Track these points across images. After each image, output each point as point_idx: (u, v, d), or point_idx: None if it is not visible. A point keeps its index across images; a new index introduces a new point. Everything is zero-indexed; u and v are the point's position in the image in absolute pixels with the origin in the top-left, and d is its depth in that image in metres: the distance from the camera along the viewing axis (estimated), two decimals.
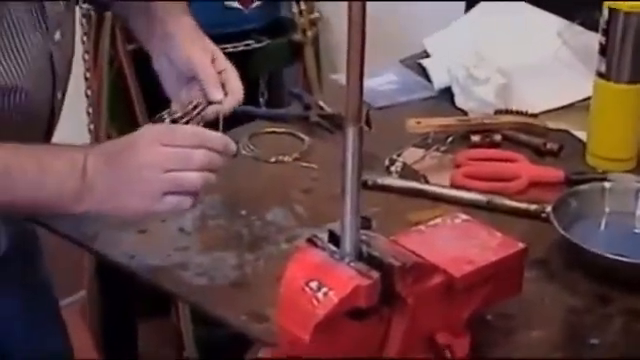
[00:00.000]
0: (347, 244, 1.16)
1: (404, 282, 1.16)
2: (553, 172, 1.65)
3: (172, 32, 1.52)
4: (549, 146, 1.72)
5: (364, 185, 1.60)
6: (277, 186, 1.64)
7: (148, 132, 1.33)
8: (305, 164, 1.69)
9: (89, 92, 2.56)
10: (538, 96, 1.84)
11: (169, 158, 1.29)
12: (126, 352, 1.71)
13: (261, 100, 2.33)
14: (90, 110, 2.59)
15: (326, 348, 1.15)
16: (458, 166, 1.67)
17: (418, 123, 1.71)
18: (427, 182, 1.64)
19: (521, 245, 1.28)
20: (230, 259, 1.46)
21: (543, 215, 1.54)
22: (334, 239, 1.19)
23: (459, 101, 1.85)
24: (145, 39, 1.56)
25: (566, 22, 1.98)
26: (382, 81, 1.93)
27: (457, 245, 1.26)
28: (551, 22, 1.98)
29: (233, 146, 1.34)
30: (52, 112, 1.50)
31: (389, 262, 1.16)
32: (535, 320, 1.35)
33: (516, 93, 1.84)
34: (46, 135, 1.51)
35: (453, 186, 1.62)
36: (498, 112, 1.79)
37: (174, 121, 1.40)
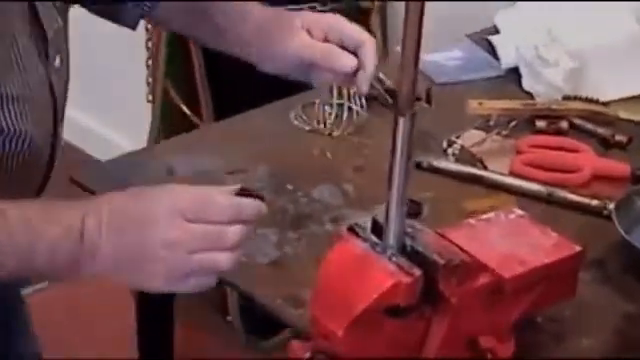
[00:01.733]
0: (390, 237, 1.09)
1: (448, 281, 1.09)
2: (618, 166, 1.56)
3: (263, 26, 1.38)
4: (617, 137, 1.63)
5: (418, 166, 1.53)
6: (327, 161, 1.57)
7: (169, 201, 1.10)
8: (359, 139, 1.62)
9: (149, 44, 2.51)
10: (611, 83, 1.75)
11: (196, 238, 1.09)
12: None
13: None
14: (149, 63, 2.54)
15: (360, 344, 1.09)
16: (519, 153, 1.59)
17: (480, 104, 1.63)
18: (485, 168, 1.56)
19: (577, 248, 1.20)
20: (271, 236, 1.40)
21: (605, 212, 1.46)
22: (377, 229, 1.12)
23: (526, 83, 1.76)
24: (227, 42, 1.42)
25: None
26: (447, 56, 1.85)
27: (509, 243, 1.19)
28: (629, 3, 1.87)
29: (264, 208, 1.13)
30: (52, 152, 1.28)
31: (433, 259, 1.09)
32: (587, 326, 1.27)
33: (587, 78, 1.74)
34: (44, 179, 1.29)
35: (512, 174, 1.54)
36: (566, 98, 1.69)
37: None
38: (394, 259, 1.08)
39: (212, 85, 2.36)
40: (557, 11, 1.84)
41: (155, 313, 1.61)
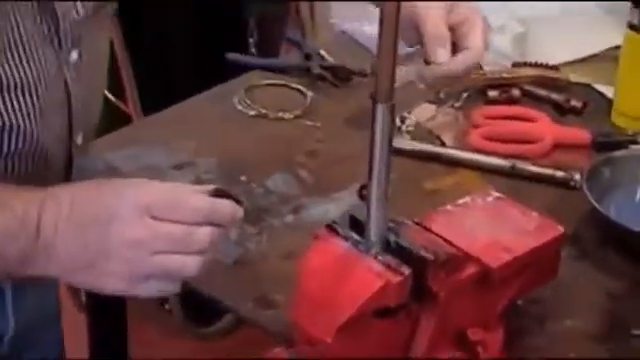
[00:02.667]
0: (373, 234, 1.03)
1: (436, 276, 1.03)
2: (578, 133, 1.51)
3: None
4: (572, 103, 1.58)
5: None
6: (278, 147, 1.49)
7: (136, 196, 1.02)
8: (309, 122, 1.54)
9: None
10: (559, 45, 1.70)
11: (160, 237, 1.01)
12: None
13: (251, 42, 2.16)
14: None
15: (349, 348, 1.02)
16: (475, 126, 1.53)
17: None
18: (443, 144, 1.50)
19: (560, 229, 1.15)
20: (230, 233, 1.31)
21: (572, 183, 1.41)
22: (356, 225, 1.05)
23: None
24: None
25: None
26: None
27: (490, 229, 1.13)
28: None
29: (241, 213, 1.07)
30: (68, 163, 1.21)
31: (420, 254, 1.02)
32: (570, 306, 1.22)
33: (534, 43, 1.69)
34: None
35: (471, 149, 1.49)
36: (516, 65, 1.64)
37: None
38: (380, 257, 1.02)
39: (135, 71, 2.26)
40: None
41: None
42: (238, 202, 1.07)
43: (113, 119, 2.23)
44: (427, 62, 1.25)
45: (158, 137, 1.49)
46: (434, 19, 1.26)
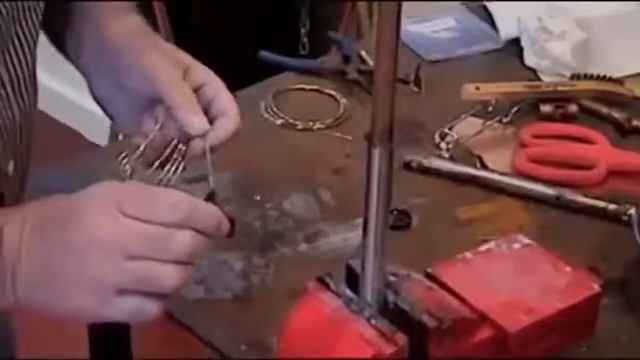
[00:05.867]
0: (368, 292, 0.89)
1: (440, 344, 0.89)
2: (639, 159, 1.35)
3: (115, 42, 1.07)
4: (634, 122, 1.42)
5: (406, 167, 1.33)
6: (301, 163, 1.36)
7: (103, 193, 0.89)
8: (339, 134, 1.41)
9: None
10: (624, 55, 1.53)
11: (135, 238, 0.86)
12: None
13: (301, 44, 2.01)
14: None
15: None
16: (523, 145, 1.38)
17: (477, 89, 1.41)
18: (484, 166, 1.35)
19: (596, 287, 1.00)
20: (235, 263, 1.19)
21: (624, 218, 1.25)
22: (352, 279, 0.92)
23: (529, 58, 1.54)
24: (76, 56, 1.12)
25: None
26: (438, 27, 1.62)
27: (514, 284, 0.99)
28: None
29: (227, 225, 0.92)
30: None
31: (421, 320, 0.88)
32: None
33: (598, 52, 1.52)
34: None
35: (515, 172, 1.33)
36: (575, 77, 1.48)
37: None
38: (373, 321, 0.88)
39: None
40: None
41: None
42: (230, 219, 0.93)
43: None
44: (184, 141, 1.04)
45: None
46: (176, 81, 1.04)
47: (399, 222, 1.25)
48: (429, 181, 1.34)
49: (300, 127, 1.42)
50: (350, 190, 1.30)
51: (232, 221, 0.94)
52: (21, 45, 1.04)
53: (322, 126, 1.42)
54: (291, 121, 1.42)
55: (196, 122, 1.02)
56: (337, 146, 1.39)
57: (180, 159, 1.02)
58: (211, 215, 0.90)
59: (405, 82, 1.47)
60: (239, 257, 1.20)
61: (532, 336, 0.95)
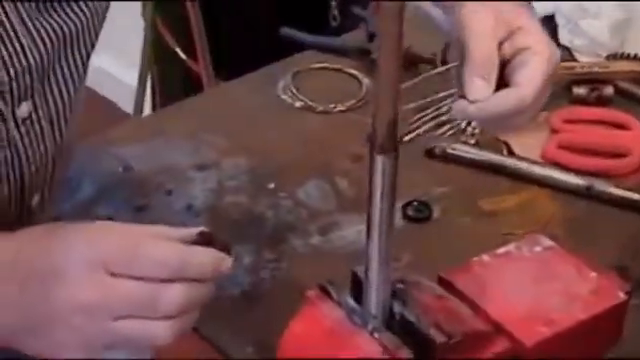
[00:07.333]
0: (372, 304, 0.83)
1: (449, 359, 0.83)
2: None
3: None
4: None
5: (429, 154, 1.26)
6: (319, 149, 1.29)
7: (87, 249, 0.82)
8: (360, 117, 1.34)
9: None
10: None
11: (122, 299, 0.80)
12: None
13: (332, 17, 1.93)
14: None
15: None
16: (554, 131, 1.30)
17: None
18: (511, 153, 1.28)
19: (622, 295, 0.93)
20: (245, 256, 1.13)
21: None
22: (356, 287, 0.86)
23: (563, 36, 1.46)
24: None
25: None
26: None
27: (533, 290, 0.92)
28: None
29: (228, 262, 0.84)
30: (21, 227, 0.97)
31: (428, 334, 0.82)
32: None
33: (636, 31, 1.44)
34: None
35: (544, 160, 1.26)
36: (610, 57, 1.40)
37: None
38: (377, 335, 0.82)
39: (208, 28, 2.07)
40: None
41: None
42: (226, 249, 0.86)
43: (182, 76, 2.08)
44: (461, 95, 0.96)
45: (184, 129, 1.31)
46: (481, 33, 0.97)
47: (419, 214, 1.19)
48: (452, 169, 1.27)
49: (319, 110, 1.35)
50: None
51: (227, 247, 0.87)
52: (65, 81, 0.99)
53: (343, 108, 1.35)
54: (310, 103, 1.36)
55: (475, 87, 0.95)
56: (357, 131, 1.31)
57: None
58: (205, 263, 0.83)
59: (431, 62, 1.40)
60: (248, 250, 1.14)
61: (551, 349, 0.89)
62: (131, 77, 2.53)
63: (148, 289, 0.81)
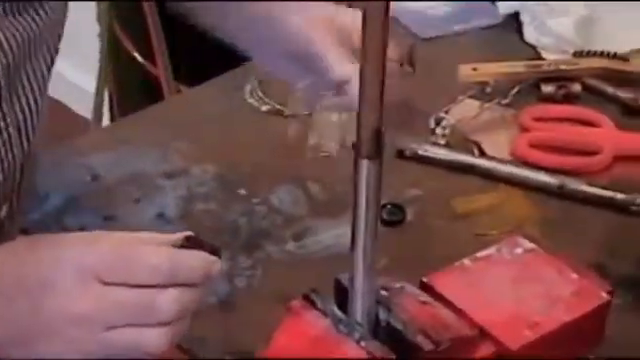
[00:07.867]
0: (358, 312, 0.82)
1: None
2: None
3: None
4: None
5: (400, 155, 1.25)
6: (289, 152, 1.28)
7: (78, 258, 0.80)
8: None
9: None
10: (631, 30, 1.44)
11: (115, 308, 0.79)
12: None
13: None
14: None
15: None
16: (523, 129, 1.30)
17: (474, 70, 1.33)
18: (482, 152, 1.27)
19: (605, 296, 0.93)
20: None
21: (633, 208, 1.18)
22: (341, 294, 0.85)
23: (529, 34, 1.46)
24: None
25: None
26: (433, 4, 1.54)
27: (516, 294, 0.92)
28: None
29: (216, 268, 0.84)
30: None
31: (415, 342, 0.81)
32: None
33: (602, 27, 1.44)
34: None
35: (515, 159, 1.26)
36: (577, 54, 1.40)
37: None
38: (363, 343, 0.81)
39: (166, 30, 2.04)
40: None
41: None
42: (215, 252, 0.85)
43: (141, 81, 2.05)
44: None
45: (151, 137, 1.29)
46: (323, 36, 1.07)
47: (393, 217, 1.18)
48: (424, 170, 1.26)
49: (288, 113, 1.34)
50: (340, 181, 1.22)
51: (216, 251, 0.86)
52: (31, 87, 0.98)
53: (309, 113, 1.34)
54: (278, 107, 1.34)
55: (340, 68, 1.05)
56: None
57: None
58: (196, 267, 0.82)
59: (401, 65, 1.39)
60: (223, 258, 1.12)
61: (536, 352, 0.88)
62: (87, 81, 2.50)
63: (142, 296, 0.80)
